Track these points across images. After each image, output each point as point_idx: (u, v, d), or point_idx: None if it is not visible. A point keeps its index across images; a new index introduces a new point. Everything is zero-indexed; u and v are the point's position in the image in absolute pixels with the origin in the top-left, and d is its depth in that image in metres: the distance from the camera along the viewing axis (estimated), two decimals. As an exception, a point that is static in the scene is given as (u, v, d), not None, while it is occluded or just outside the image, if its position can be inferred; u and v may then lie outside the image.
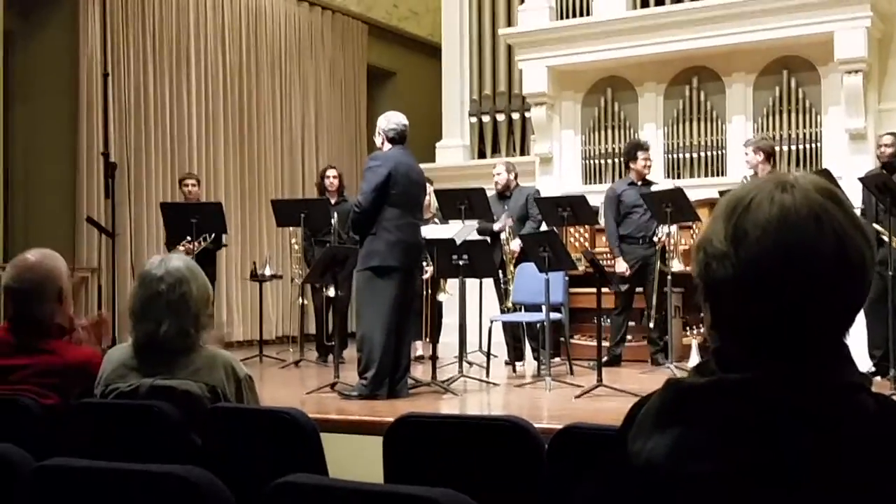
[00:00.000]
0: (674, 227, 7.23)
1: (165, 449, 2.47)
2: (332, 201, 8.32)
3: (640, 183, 7.60)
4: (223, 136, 10.48)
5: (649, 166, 7.71)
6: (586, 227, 8.48)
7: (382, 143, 5.94)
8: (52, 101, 9.24)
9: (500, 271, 7.63)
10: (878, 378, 6.13)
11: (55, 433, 2.69)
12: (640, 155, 7.68)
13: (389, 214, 5.77)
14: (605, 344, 7.05)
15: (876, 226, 5.84)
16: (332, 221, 7.92)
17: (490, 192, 7.86)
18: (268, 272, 9.05)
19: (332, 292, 7.10)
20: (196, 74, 10.21)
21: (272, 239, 10.86)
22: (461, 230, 6.49)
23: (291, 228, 8.58)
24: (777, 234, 1.07)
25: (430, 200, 8.31)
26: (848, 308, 1.10)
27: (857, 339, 5.95)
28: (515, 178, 8.10)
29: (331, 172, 8.58)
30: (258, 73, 10.97)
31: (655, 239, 7.33)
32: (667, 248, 7.24)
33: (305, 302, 8.62)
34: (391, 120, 5.97)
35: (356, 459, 3.29)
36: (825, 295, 1.07)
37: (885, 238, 5.60)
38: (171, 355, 2.72)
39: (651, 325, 7.47)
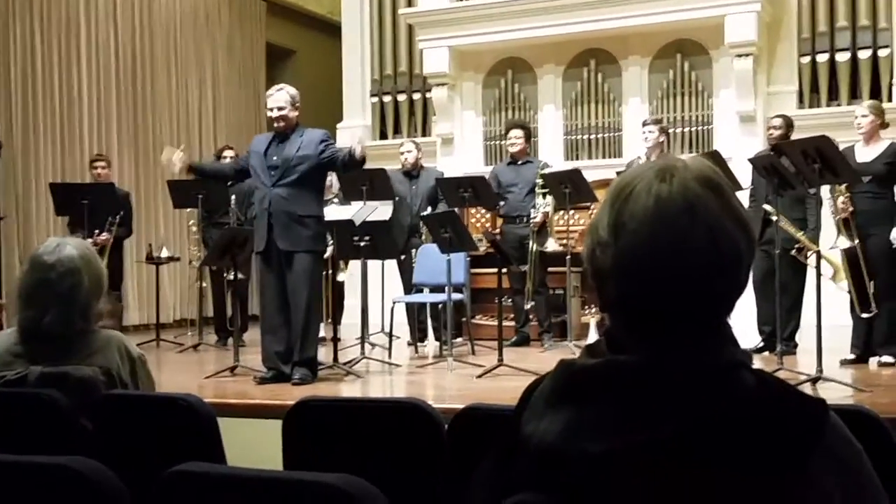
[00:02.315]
0: (550, 206, 7.34)
1: (56, 438, 2.40)
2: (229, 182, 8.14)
3: (520, 162, 7.70)
4: (115, 115, 10.18)
5: (511, 145, 7.77)
6: (487, 208, 8.53)
7: (297, 117, 5.75)
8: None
9: (413, 251, 7.64)
10: (766, 353, 6.36)
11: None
12: (509, 134, 7.80)
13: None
14: (507, 324, 7.12)
15: (766, 206, 6.03)
16: (231, 203, 7.76)
17: (391, 172, 7.83)
18: (164, 254, 8.85)
19: (231, 275, 6.98)
20: (87, 53, 9.88)
21: (168, 220, 10.62)
22: (360, 210, 6.46)
23: (188, 210, 8.40)
24: (651, 227, 1.10)
25: (332, 181, 8.24)
26: (725, 296, 1.13)
27: (747, 315, 6.15)
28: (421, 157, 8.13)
29: (228, 153, 8.40)
30: (152, 52, 10.67)
31: (529, 218, 7.44)
32: (547, 226, 7.37)
33: (204, 284, 8.47)
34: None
35: (256, 444, 3.25)
36: (699, 286, 1.10)
37: (774, 218, 5.78)
38: (60, 341, 2.64)
39: (528, 305, 7.53)
